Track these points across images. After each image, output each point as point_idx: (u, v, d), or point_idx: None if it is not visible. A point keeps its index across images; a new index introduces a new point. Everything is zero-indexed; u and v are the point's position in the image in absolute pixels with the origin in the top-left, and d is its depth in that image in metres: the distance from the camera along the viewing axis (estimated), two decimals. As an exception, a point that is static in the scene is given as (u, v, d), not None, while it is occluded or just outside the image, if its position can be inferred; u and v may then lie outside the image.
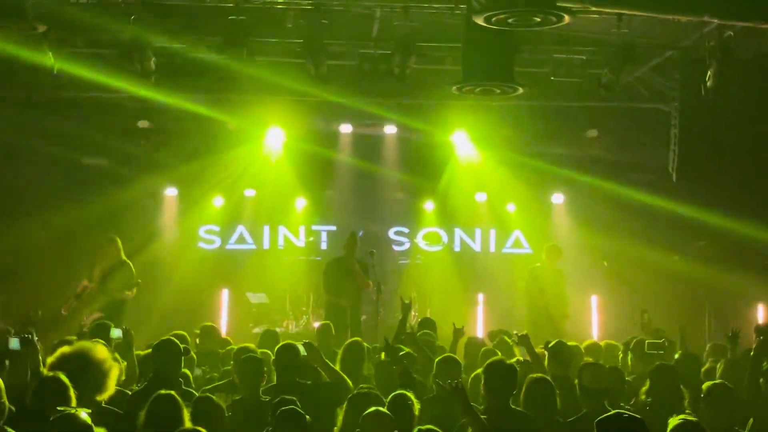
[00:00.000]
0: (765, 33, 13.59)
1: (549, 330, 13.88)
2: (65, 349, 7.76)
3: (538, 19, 10.77)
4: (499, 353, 9.63)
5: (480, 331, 16.28)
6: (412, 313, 11.23)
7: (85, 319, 14.18)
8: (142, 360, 9.47)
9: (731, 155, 16.41)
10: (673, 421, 6.41)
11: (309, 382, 8.93)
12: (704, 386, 7.89)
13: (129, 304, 16.39)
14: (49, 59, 14.28)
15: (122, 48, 14.37)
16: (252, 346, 10.57)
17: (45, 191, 17.08)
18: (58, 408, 5.54)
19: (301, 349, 9.14)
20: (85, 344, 7.95)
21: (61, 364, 7.45)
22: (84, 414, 5.51)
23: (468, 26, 12.35)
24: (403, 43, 14.31)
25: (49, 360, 7.63)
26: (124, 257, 14.69)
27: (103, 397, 7.48)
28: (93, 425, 5.46)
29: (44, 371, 7.59)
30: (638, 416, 5.12)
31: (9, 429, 6.10)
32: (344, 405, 7.49)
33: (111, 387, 7.59)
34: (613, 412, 5.14)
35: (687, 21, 13.57)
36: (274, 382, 8.96)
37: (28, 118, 16.57)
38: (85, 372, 7.39)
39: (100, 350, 7.74)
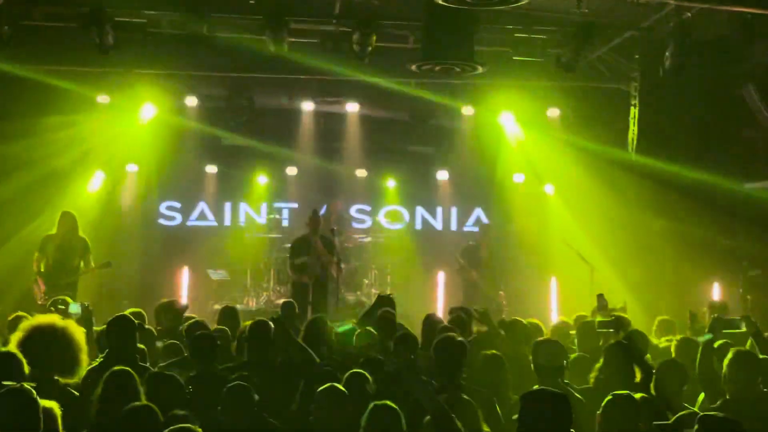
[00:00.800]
0: (722, 15, 13.74)
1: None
2: (42, 322, 7.68)
3: (498, -2, 10.80)
4: (457, 329, 9.69)
5: (440, 309, 16.34)
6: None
7: (41, 294, 14.16)
8: (99, 337, 9.45)
9: (689, 134, 16.57)
10: (607, 398, 6.51)
11: (279, 359, 8.94)
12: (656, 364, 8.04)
13: (90, 282, 16.44)
14: (6, 32, 14.11)
15: (82, 21, 14.22)
16: (199, 318, 10.63)
17: (3, 164, 16.90)
18: (3, 383, 5.51)
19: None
20: (61, 321, 7.88)
21: (34, 339, 7.41)
22: (29, 387, 5.49)
23: (428, 4, 12.37)
24: (364, 21, 14.28)
25: (18, 335, 7.55)
26: (80, 233, 14.63)
27: (73, 380, 7.45)
28: (38, 399, 5.44)
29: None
30: (563, 394, 5.17)
31: None
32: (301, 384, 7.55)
33: (83, 371, 7.58)
34: (538, 387, 5.20)
35: (646, 2, 13.68)
36: (245, 359, 8.98)
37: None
38: (59, 350, 7.38)
39: (77, 328, 7.72)
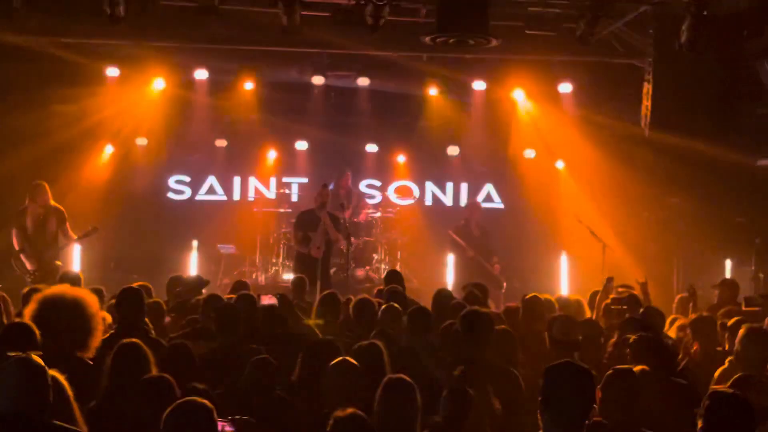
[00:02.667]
0: (739, -10, 13.61)
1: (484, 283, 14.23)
2: (54, 295, 7.61)
3: (513, -30, 10.68)
4: (467, 305, 9.62)
5: (450, 285, 16.28)
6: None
7: (31, 271, 14.15)
8: (110, 308, 9.43)
9: (704, 110, 16.44)
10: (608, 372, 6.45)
11: (279, 332, 8.94)
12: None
13: (97, 254, 16.42)
14: (17, 2, 14.03)
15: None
16: (219, 295, 10.56)
17: (12, 136, 16.84)
18: (10, 353, 5.45)
19: (273, 300, 9.17)
20: (79, 292, 7.82)
21: (46, 311, 7.36)
22: (37, 356, 5.42)
23: (443, -23, 12.26)
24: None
25: (31, 307, 7.49)
26: (53, 202, 14.55)
27: (86, 351, 7.39)
28: (46, 368, 5.38)
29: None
30: (586, 368, 5.11)
31: None
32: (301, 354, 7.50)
33: (96, 341, 7.52)
34: (563, 360, 5.12)
35: (663, -25, 13.54)
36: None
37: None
38: (70, 321, 7.33)
39: (94, 301, 7.65)
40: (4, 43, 15.71)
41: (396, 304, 9.35)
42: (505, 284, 17.07)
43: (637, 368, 6.62)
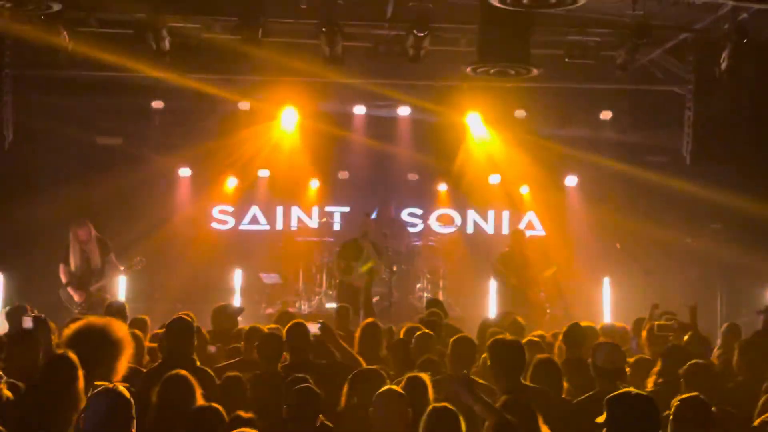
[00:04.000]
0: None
1: (527, 310, 14.23)
2: (82, 324, 7.74)
3: (554, 0, 10.75)
4: (508, 334, 9.64)
5: (492, 312, 16.28)
6: None
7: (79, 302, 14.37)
8: (157, 338, 9.54)
9: (745, 137, 16.37)
10: (675, 400, 6.45)
11: (323, 362, 8.98)
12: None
13: (143, 284, 16.60)
14: (63, 39, 14.33)
15: (137, 27, 14.40)
16: (261, 326, 10.63)
17: (59, 171, 17.13)
18: (96, 383, 5.57)
19: (315, 328, 9.20)
20: (102, 321, 7.93)
21: (78, 340, 7.45)
22: (123, 387, 5.55)
23: (484, 7, 12.34)
24: (417, 24, 14.27)
25: (66, 334, 7.61)
26: (96, 234, 14.77)
27: (116, 377, 7.47)
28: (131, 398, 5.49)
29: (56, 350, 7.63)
30: (648, 395, 5.12)
31: None
32: (347, 382, 7.55)
33: (123, 368, 7.59)
34: (623, 389, 5.12)
35: (702, 3, 13.54)
36: (287, 361, 9.02)
37: (44, 98, 16.62)
38: (101, 350, 7.41)
39: (119, 328, 7.73)
40: (50, 77, 16.04)
41: (430, 331, 9.39)
42: (549, 311, 17.03)
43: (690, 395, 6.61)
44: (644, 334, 10.50)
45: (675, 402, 6.20)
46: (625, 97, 17.70)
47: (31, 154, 16.72)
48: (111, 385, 5.56)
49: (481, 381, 8.09)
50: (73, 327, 7.58)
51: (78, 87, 16.56)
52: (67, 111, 16.98)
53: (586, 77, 16.43)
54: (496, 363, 7.55)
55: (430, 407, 6.31)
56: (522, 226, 19.55)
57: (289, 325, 9.32)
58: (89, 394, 5.62)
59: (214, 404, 6.47)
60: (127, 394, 5.48)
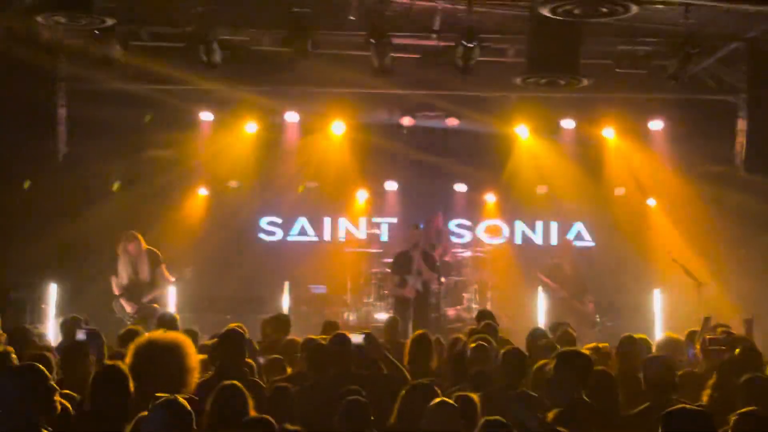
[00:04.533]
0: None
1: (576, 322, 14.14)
2: (152, 338, 7.78)
3: (605, 10, 10.70)
4: (558, 346, 9.58)
5: (543, 325, 16.17)
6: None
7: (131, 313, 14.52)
8: (208, 350, 9.59)
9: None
10: (734, 415, 6.37)
11: (365, 373, 8.97)
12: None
13: (192, 296, 16.72)
14: (116, 52, 14.49)
15: (188, 40, 14.52)
16: (316, 336, 10.62)
17: (111, 183, 17.30)
18: (157, 394, 5.63)
19: (360, 338, 9.20)
20: (175, 336, 7.99)
21: (150, 354, 7.51)
22: (183, 399, 5.59)
23: (533, 17, 12.31)
24: (465, 35, 14.26)
25: (132, 350, 7.66)
26: (146, 246, 14.89)
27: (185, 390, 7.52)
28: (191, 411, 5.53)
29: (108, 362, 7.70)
30: (705, 410, 5.05)
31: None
32: (400, 395, 7.53)
33: (192, 384, 7.66)
34: (679, 405, 5.06)
35: (755, 11, 13.40)
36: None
37: (97, 111, 16.79)
38: (171, 363, 7.46)
39: (189, 344, 7.80)
40: (102, 90, 16.22)
41: (485, 344, 9.34)
42: (599, 322, 16.94)
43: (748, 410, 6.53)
44: (698, 347, 10.39)
45: (733, 417, 6.12)
46: (677, 107, 17.54)
47: (84, 166, 16.89)
48: (172, 397, 5.59)
49: (532, 394, 8.07)
50: (140, 341, 7.65)
51: (130, 100, 16.72)
52: (119, 124, 17.14)
53: (636, 87, 16.31)
54: (561, 375, 7.41)
55: (483, 419, 6.27)
56: (571, 236, 19.49)
57: (331, 336, 9.35)
58: (151, 405, 5.66)
59: (265, 416, 6.47)
60: (188, 407, 5.52)
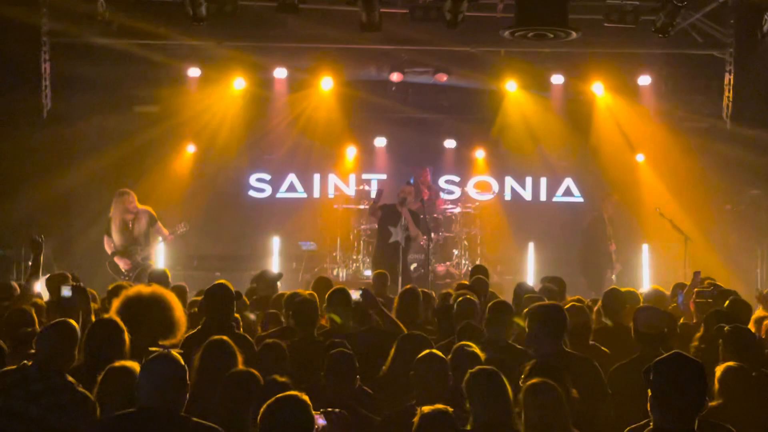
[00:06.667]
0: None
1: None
2: (136, 291, 7.81)
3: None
4: (545, 299, 9.61)
5: (531, 280, 16.25)
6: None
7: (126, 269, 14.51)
8: (196, 304, 9.60)
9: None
10: (720, 367, 6.40)
11: (364, 328, 9.00)
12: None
13: (182, 252, 16.72)
14: (100, 7, 14.38)
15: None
16: (302, 291, 10.64)
17: (97, 138, 17.21)
18: (150, 348, 5.63)
19: (357, 294, 9.22)
20: (161, 289, 8.02)
21: (137, 305, 7.53)
22: (177, 353, 5.61)
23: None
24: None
25: (116, 303, 7.69)
26: (140, 206, 14.86)
27: (172, 341, 7.56)
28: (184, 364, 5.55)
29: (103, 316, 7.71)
30: (698, 361, 5.05)
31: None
32: (393, 347, 7.58)
33: (179, 336, 7.70)
34: (672, 352, 5.04)
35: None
36: (327, 327, 9.04)
37: (81, 66, 16.69)
38: (156, 314, 7.50)
39: (175, 297, 7.84)
40: (87, 45, 16.10)
41: (472, 297, 9.37)
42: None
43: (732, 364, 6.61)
44: (688, 300, 10.46)
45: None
46: (665, 62, 17.50)
47: (70, 122, 16.79)
48: (166, 351, 5.59)
49: (519, 347, 8.10)
50: (125, 294, 7.68)
51: (115, 55, 16.61)
52: (104, 79, 17.04)
53: (624, 42, 16.26)
54: (534, 328, 7.48)
55: (475, 369, 6.28)
56: (560, 192, 19.52)
57: (330, 290, 9.35)
58: (144, 360, 5.67)
59: (251, 369, 6.49)
60: (182, 361, 5.53)
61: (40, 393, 6.19)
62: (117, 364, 6.24)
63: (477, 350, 7.17)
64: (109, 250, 14.89)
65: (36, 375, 6.27)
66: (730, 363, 6.77)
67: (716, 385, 6.73)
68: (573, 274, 16.34)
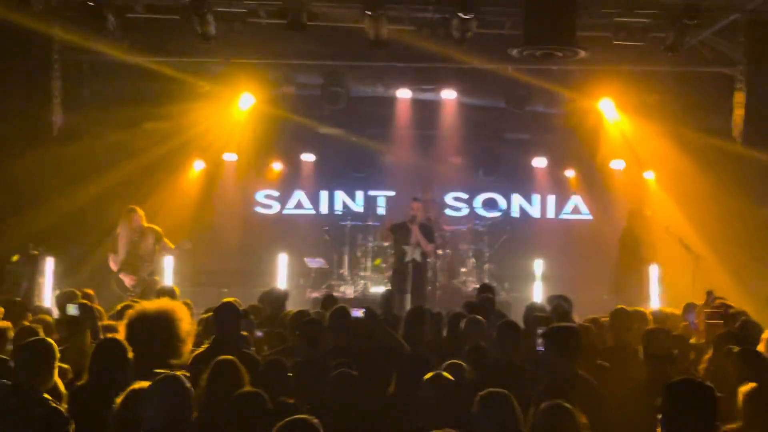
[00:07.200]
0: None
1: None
2: (145, 309, 7.78)
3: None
4: (554, 318, 9.59)
5: (539, 298, 16.19)
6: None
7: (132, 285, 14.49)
8: (204, 322, 9.58)
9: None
10: (744, 388, 6.37)
11: (365, 346, 8.98)
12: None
13: (189, 269, 16.70)
14: (110, 25, 14.41)
15: (182, 12, 14.43)
16: (308, 310, 10.63)
17: (107, 156, 17.22)
18: (156, 370, 5.61)
19: (360, 313, 9.21)
20: (167, 304, 7.98)
21: (136, 325, 7.50)
22: (182, 375, 5.59)
23: (530, -12, 12.24)
24: (462, 7, 14.16)
25: (124, 322, 7.67)
26: (146, 224, 14.85)
27: (179, 361, 7.52)
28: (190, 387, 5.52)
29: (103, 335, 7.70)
30: (708, 385, 5.05)
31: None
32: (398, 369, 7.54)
33: (186, 352, 7.66)
34: (682, 377, 5.06)
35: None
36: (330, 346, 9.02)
37: (92, 84, 16.73)
38: (164, 334, 7.47)
39: (182, 311, 7.79)
40: (97, 62, 16.14)
41: (480, 318, 9.35)
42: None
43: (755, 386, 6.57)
44: (699, 320, 10.43)
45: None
46: (675, 80, 17.47)
47: (79, 139, 16.81)
48: (172, 373, 5.58)
49: (527, 368, 8.07)
50: (133, 312, 7.65)
51: (125, 72, 16.65)
52: (114, 96, 17.08)
53: (634, 59, 16.24)
54: (548, 350, 7.46)
55: (485, 392, 6.25)
56: (568, 210, 19.48)
57: (332, 309, 9.34)
58: (151, 382, 5.65)
59: (258, 390, 6.46)
60: (188, 384, 5.51)
61: (12, 409, 6.19)
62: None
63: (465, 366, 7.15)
64: (114, 268, 14.88)
65: (11, 391, 6.31)
66: (753, 384, 6.72)
67: (739, 406, 6.67)
68: (579, 291, 16.30)
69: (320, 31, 15.32)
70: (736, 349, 7.67)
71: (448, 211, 19.62)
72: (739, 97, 16.31)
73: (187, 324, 7.79)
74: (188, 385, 5.52)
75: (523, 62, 15.09)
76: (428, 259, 15.98)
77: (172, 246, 15.04)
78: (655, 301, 16.47)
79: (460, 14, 14.11)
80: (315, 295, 17.16)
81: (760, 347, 9.13)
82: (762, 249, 16.76)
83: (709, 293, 11.17)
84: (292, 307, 11.86)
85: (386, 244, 17.55)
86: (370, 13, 14.21)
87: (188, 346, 7.70)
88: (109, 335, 7.71)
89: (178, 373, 5.65)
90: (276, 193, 19.77)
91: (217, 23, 14.42)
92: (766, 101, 16.11)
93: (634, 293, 16.11)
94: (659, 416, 4.97)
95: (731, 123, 16.64)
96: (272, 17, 14.92)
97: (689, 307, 11.32)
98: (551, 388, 6.63)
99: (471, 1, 14.07)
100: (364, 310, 9.48)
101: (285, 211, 19.81)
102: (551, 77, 17.38)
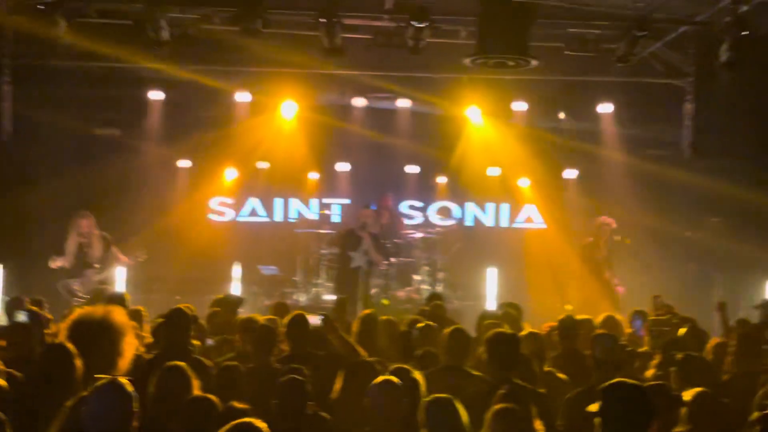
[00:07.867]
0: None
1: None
2: (82, 314, 7.72)
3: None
4: (506, 325, 9.64)
5: (491, 305, 16.26)
6: None
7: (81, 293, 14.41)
8: (155, 329, 9.54)
9: (745, 130, 16.36)
10: (688, 393, 6.46)
11: (322, 353, 8.97)
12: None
13: (142, 276, 16.59)
14: (62, 30, 14.31)
15: (135, 18, 14.38)
16: (257, 316, 10.61)
17: (57, 162, 17.10)
18: (96, 375, 5.57)
19: (317, 320, 9.20)
20: (101, 310, 7.91)
21: (78, 330, 7.44)
22: (125, 381, 5.55)
23: (485, -2, 12.33)
24: (416, 16, 14.24)
25: (65, 326, 7.61)
26: (97, 231, 14.77)
27: (120, 366, 7.46)
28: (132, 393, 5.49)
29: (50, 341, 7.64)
30: (642, 385, 5.13)
31: None
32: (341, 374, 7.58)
33: (129, 355, 7.59)
34: (617, 379, 5.15)
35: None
36: (287, 352, 9.01)
37: (42, 89, 16.61)
38: (104, 339, 7.40)
39: (119, 315, 7.71)
40: (48, 68, 16.03)
41: (432, 324, 9.40)
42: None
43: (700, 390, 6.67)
44: (646, 326, 10.54)
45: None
46: (626, 91, 17.66)
47: (29, 144, 16.69)
48: (112, 378, 5.54)
49: (476, 373, 8.12)
50: (73, 318, 7.58)
51: (76, 78, 16.54)
52: (65, 102, 16.96)
53: (585, 70, 16.40)
54: (490, 356, 7.56)
55: (431, 397, 6.30)
56: (522, 218, 19.58)
57: (290, 316, 9.32)
58: (90, 387, 5.61)
59: (209, 395, 6.45)
60: (130, 388, 5.47)
61: None
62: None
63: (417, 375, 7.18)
64: (54, 266, 14.73)
65: None
66: (699, 389, 6.81)
67: (683, 411, 6.77)
68: (531, 299, 16.40)
69: (276, 38, 15.30)
70: (679, 355, 7.78)
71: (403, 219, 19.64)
72: (688, 109, 16.51)
73: (128, 329, 7.71)
74: (130, 390, 5.48)
75: (476, 71, 15.18)
76: (378, 269, 16.03)
77: (123, 257, 14.97)
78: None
79: (414, 23, 14.18)
80: (268, 303, 17.09)
81: (707, 354, 9.28)
82: (710, 257, 16.95)
83: (655, 298, 11.30)
84: (245, 314, 11.81)
85: (334, 251, 17.52)
86: (324, 20, 14.24)
87: (130, 352, 7.62)
88: (56, 340, 7.65)
89: (121, 378, 5.60)
90: (229, 201, 19.69)
91: (171, 29, 14.37)
92: (714, 112, 16.34)
93: (598, 301, 16.17)
94: (596, 420, 5.03)
95: (681, 134, 16.83)
96: (226, 24, 14.89)
97: (636, 315, 11.44)
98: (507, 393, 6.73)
99: (425, 10, 14.14)
100: (322, 317, 9.46)
101: (239, 219, 19.74)
102: (505, 87, 17.49)
